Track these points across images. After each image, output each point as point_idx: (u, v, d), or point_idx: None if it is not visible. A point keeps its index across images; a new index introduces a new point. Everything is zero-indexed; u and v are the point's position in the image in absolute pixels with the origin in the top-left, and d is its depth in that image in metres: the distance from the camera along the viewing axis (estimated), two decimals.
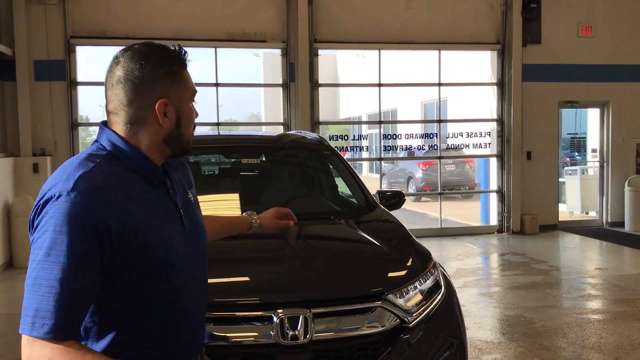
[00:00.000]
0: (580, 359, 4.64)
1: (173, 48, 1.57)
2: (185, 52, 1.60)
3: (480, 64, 11.04)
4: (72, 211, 1.35)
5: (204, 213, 1.82)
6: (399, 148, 11.60)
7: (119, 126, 1.54)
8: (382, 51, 10.17)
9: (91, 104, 9.78)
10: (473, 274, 7.71)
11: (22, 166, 8.60)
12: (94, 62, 9.90)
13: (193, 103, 1.61)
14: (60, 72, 8.99)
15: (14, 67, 8.66)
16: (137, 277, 1.47)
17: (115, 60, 1.54)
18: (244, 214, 2.34)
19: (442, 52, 10.39)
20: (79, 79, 9.21)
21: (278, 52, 9.93)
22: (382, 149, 11.04)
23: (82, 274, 1.35)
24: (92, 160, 1.47)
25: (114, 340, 1.48)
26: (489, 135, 10.85)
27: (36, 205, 1.42)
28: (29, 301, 1.34)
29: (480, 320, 5.68)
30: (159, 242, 1.50)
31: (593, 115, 11.74)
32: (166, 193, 1.59)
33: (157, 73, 1.51)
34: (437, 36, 10.20)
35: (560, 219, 11.11)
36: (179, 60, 1.56)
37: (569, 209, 12.47)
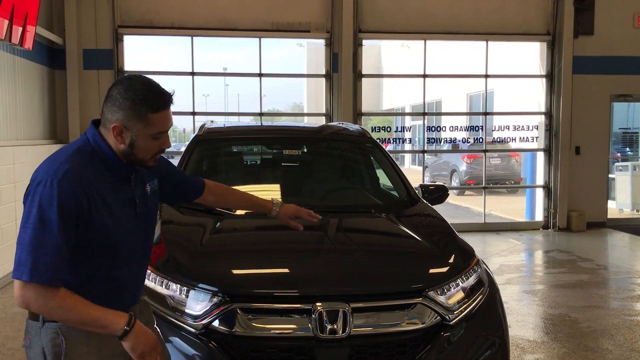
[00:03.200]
0: None
1: (161, 92, 1.95)
2: (170, 96, 1.97)
3: (529, 55, 10.74)
4: (59, 194, 1.82)
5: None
6: (442, 140, 11.42)
7: (102, 127, 1.98)
8: (427, 41, 9.99)
9: None
10: (516, 271, 7.55)
11: None
12: (141, 51, 10.04)
13: (157, 137, 1.96)
14: (108, 61, 9.16)
15: (64, 56, 8.86)
16: (93, 246, 1.92)
17: (123, 78, 1.98)
18: (272, 199, 2.62)
19: (489, 42, 10.14)
20: (126, 67, 9.37)
21: (322, 42, 9.88)
22: (426, 141, 10.90)
23: (66, 237, 1.82)
24: (78, 155, 1.93)
25: (72, 289, 1.88)
26: (537, 129, 10.56)
27: (30, 184, 1.87)
28: (26, 255, 1.78)
29: (523, 318, 5.55)
30: (115, 224, 1.95)
31: None
32: (128, 185, 2.04)
33: (126, 104, 1.91)
34: (485, 26, 9.97)
35: (609, 217, 10.74)
36: (150, 103, 1.91)
37: (618, 207, 12.08)
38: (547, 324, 5.43)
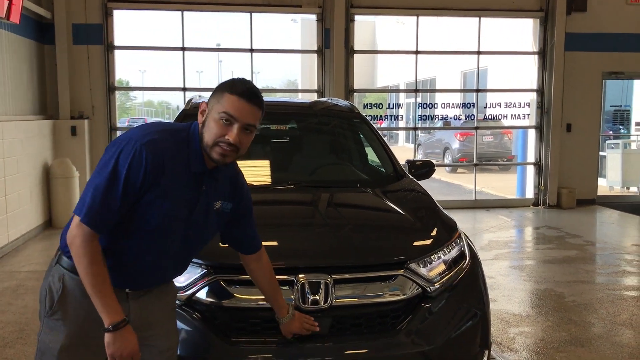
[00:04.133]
0: (609, 336, 4.56)
1: (249, 86, 2.04)
2: (257, 95, 2.04)
3: (522, 32, 10.71)
4: (135, 155, 1.92)
5: None
6: (435, 118, 11.41)
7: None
8: (420, 17, 9.94)
9: (132, 69, 9.85)
10: (505, 247, 7.62)
11: (60, 129, 8.79)
12: (131, 26, 9.95)
13: (223, 122, 2.00)
14: (98, 36, 9.08)
15: (53, 31, 8.78)
16: (137, 222, 2.01)
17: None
18: (289, 311, 2.54)
19: (482, 19, 10.11)
20: (116, 42, 9.29)
21: (314, 17, 9.80)
22: (418, 118, 10.89)
23: (126, 197, 1.93)
24: (171, 134, 2.04)
25: (111, 252, 2.04)
26: (528, 106, 10.58)
27: (121, 137, 2.00)
28: (90, 198, 1.92)
29: (510, 293, 5.62)
30: (165, 210, 2.01)
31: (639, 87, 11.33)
32: (198, 186, 2.09)
33: (216, 89, 2.06)
34: (478, 2, 9.91)
35: (599, 194, 10.83)
36: (233, 86, 2.02)
37: (609, 184, 12.16)
38: (532, 298, 5.50)
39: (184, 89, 9.60)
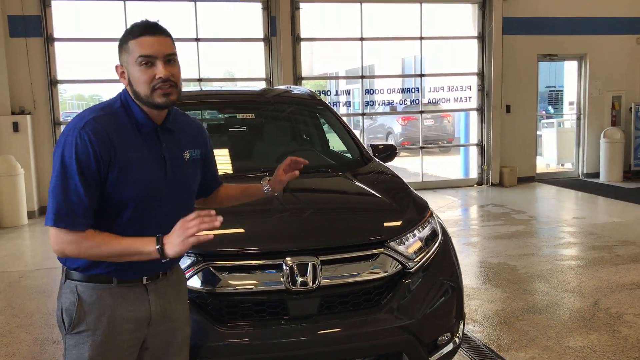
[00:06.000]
0: (562, 302, 4.87)
1: (142, 22, 1.98)
2: (152, 23, 1.98)
3: (462, 17, 11.04)
4: (78, 142, 1.88)
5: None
6: (378, 103, 11.64)
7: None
8: (363, 4, 10.10)
9: (74, 61, 9.54)
10: (456, 225, 7.92)
11: (1, 125, 8.47)
12: (72, 17, 9.63)
13: (145, 66, 1.94)
14: (37, 28, 8.77)
15: None
16: (117, 203, 1.96)
17: None
18: (261, 181, 2.48)
19: (423, 5, 10.36)
20: (56, 35, 9.00)
21: (259, 5, 9.78)
22: (364, 104, 11.08)
23: (86, 183, 1.88)
24: (106, 109, 2.00)
25: None
26: (470, 89, 10.94)
27: (59, 136, 1.96)
28: (51, 202, 1.87)
29: (465, 268, 5.85)
30: (136, 180, 1.96)
31: (570, 68, 11.90)
32: (156, 144, 2.03)
33: (119, 45, 1.99)
34: None
35: (537, 171, 11.37)
36: (132, 31, 1.96)
37: (545, 161, 12.75)
38: (488, 272, 5.78)
39: None
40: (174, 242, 1.85)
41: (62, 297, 2.04)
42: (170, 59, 1.97)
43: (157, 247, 1.86)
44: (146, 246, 1.88)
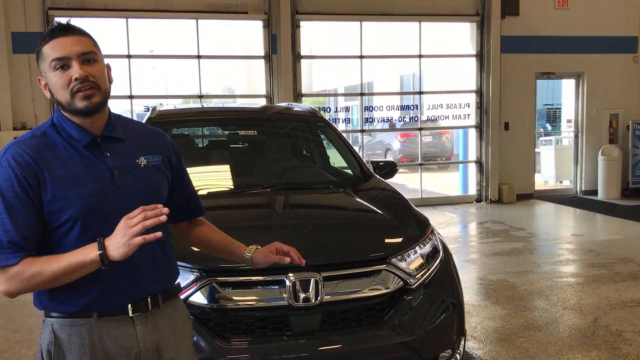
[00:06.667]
0: (562, 320, 4.88)
1: (52, 28, 1.83)
2: (62, 24, 1.83)
3: (460, 36, 11.15)
4: (0, 172, 1.74)
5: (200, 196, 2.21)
6: (377, 120, 11.72)
7: None
8: (363, 22, 10.21)
9: None
10: (455, 242, 7.94)
11: (3, 140, 8.48)
12: None
13: (60, 70, 1.79)
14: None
15: None
16: (60, 224, 1.78)
17: None
18: (249, 247, 2.22)
19: (422, 23, 10.48)
20: None
21: (260, 24, 9.88)
22: (363, 121, 11.14)
23: (16, 215, 1.72)
24: (34, 132, 1.85)
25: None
26: (469, 106, 11.02)
27: None
28: None
29: (465, 285, 5.82)
30: (74, 196, 1.77)
31: (568, 86, 12.01)
32: (98, 156, 1.85)
33: (36, 55, 1.84)
34: (418, 8, 10.27)
35: (536, 188, 11.42)
36: (44, 37, 1.81)
37: (543, 179, 12.80)
38: (487, 289, 5.79)
39: (131, 97, 9.47)
40: (117, 243, 1.66)
41: (41, 336, 1.87)
42: (89, 58, 1.80)
43: (99, 252, 1.67)
44: (88, 255, 1.68)
